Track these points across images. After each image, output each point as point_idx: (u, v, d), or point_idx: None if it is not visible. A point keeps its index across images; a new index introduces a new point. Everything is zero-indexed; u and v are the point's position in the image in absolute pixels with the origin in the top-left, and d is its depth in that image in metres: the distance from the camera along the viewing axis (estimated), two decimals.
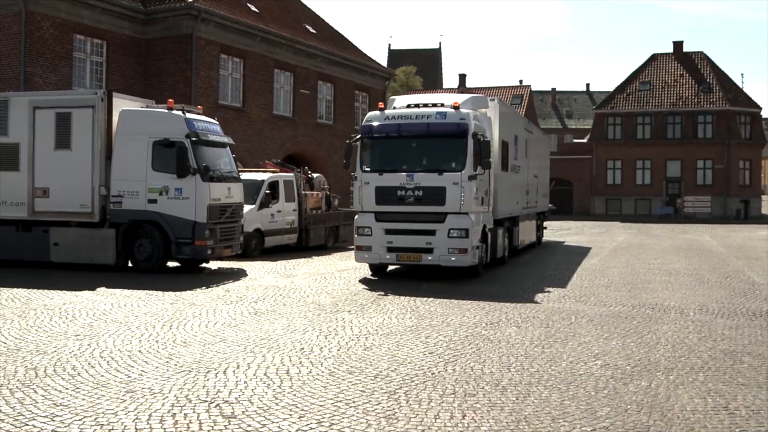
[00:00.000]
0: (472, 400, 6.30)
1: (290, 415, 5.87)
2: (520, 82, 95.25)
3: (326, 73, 34.19)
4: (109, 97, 15.60)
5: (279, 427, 5.60)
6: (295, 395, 6.41)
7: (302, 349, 8.24)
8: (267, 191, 20.41)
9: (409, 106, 15.73)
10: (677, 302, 12.08)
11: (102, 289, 12.80)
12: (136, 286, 13.21)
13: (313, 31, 34.92)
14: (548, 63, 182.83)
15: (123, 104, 15.83)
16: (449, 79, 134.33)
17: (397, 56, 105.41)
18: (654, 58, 59.79)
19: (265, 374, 7.11)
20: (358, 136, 15.32)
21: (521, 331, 9.45)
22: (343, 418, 5.82)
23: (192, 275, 15.44)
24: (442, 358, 7.84)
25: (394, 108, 15.95)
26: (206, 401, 6.19)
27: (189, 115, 15.58)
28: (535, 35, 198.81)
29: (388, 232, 14.76)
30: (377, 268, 15.93)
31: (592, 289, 13.64)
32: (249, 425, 5.62)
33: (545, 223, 29.31)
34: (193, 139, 15.16)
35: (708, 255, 21.79)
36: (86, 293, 12.34)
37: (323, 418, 5.80)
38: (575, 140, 67.61)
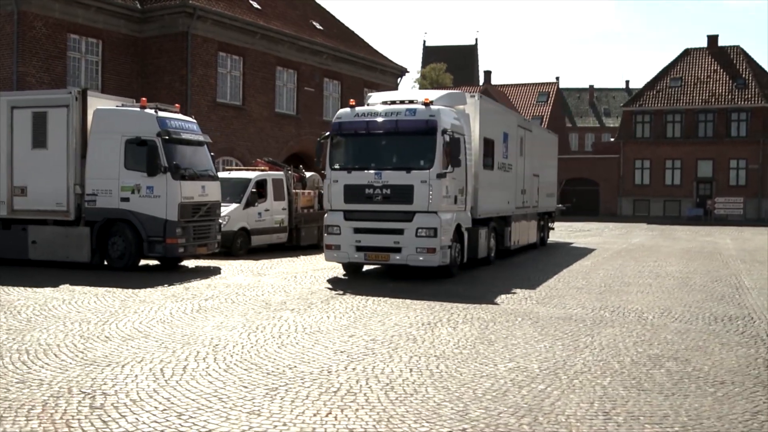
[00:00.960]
0: (349, 398, 6.13)
1: (155, 407, 5.85)
2: (557, 79, 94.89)
3: (333, 70, 34.14)
4: (84, 96, 15.68)
5: (137, 418, 5.58)
6: (175, 389, 6.37)
7: (216, 345, 8.15)
8: (253, 190, 20.37)
9: (384, 102, 15.53)
10: (642, 306, 11.70)
11: (65, 286, 12.85)
12: (100, 283, 13.25)
13: (321, 27, 34.89)
14: (590, 59, 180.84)
15: (98, 103, 15.91)
16: (486, 76, 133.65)
17: (431, 52, 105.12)
18: (687, 52, 57.46)
19: (160, 369, 7.07)
20: (328, 134, 15.17)
21: (455, 331, 9.22)
22: (206, 412, 5.76)
23: (161, 273, 15.45)
24: (350, 357, 7.67)
25: (368, 105, 15.79)
26: (84, 393, 6.20)
27: (162, 114, 15.59)
28: (578, 31, 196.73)
29: (357, 231, 14.59)
30: (351, 268, 15.79)
31: (562, 292, 13.31)
32: (109, 416, 5.62)
33: (554, 224, 29.13)
34: (165, 137, 15.16)
35: (714, 258, 21.03)
36: (47, 290, 12.40)
37: (186, 411, 5.74)
38: (610, 140, 65.80)
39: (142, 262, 16.77)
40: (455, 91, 17.13)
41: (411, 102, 14.95)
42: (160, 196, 15.13)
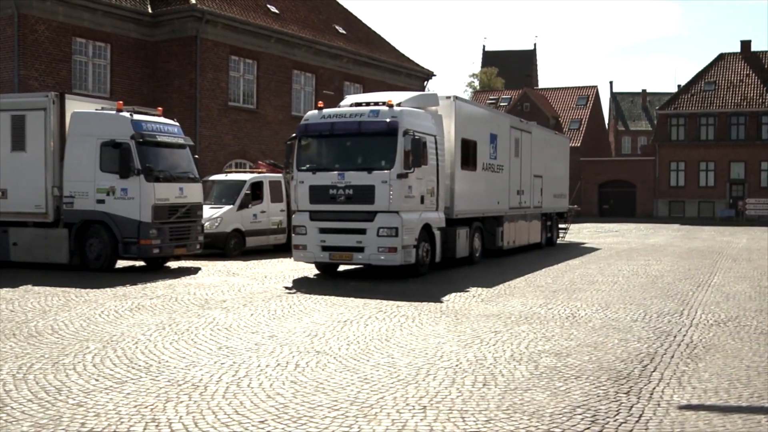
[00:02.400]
0: (178, 390, 6.14)
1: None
2: (611, 83, 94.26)
3: (353, 73, 34.29)
4: (62, 99, 16.13)
5: None
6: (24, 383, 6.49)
7: (110, 341, 8.26)
8: (248, 192, 20.60)
9: (353, 104, 15.60)
10: (585, 304, 11.47)
11: (27, 287, 13.16)
12: (65, 284, 13.56)
13: (343, 32, 35.08)
14: (651, 64, 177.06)
15: (76, 106, 16.32)
16: (545, 80, 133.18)
17: (491, 57, 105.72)
18: (721, 57, 58.10)
19: (29, 366, 7.18)
20: (294, 135, 15.28)
21: (365, 329, 9.16)
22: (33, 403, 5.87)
23: (137, 274, 15.77)
24: (228, 354, 7.69)
25: (339, 106, 15.88)
26: None
27: (137, 117, 15.90)
28: (640, 35, 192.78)
29: (322, 231, 14.64)
30: (322, 267, 15.85)
31: (517, 290, 13.09)
32: None
33: (569, 225, 29.19)
34: (139, 140, 15.47)
35: (710, 257, 20.65)
36: (4, 291, 12.66)
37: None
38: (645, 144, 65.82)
39: (129, 263, 17.24)
40: (428, 92, 17.03)
41: (377, 104, 14.95)
42: (134, 198, 15.43)
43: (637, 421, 5.55)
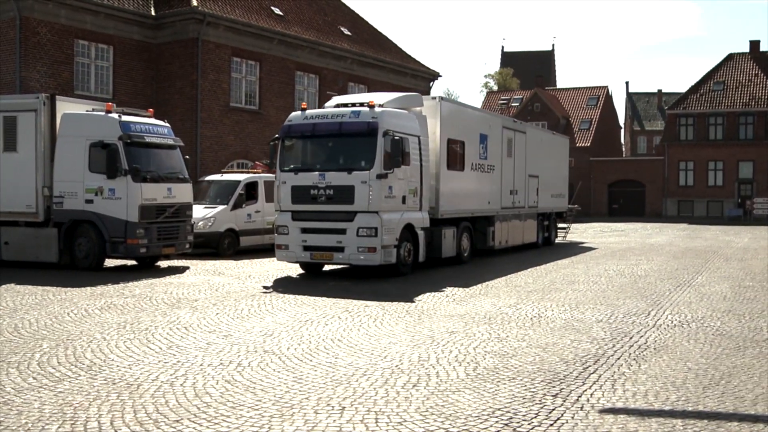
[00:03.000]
0: (110, 389, 6.29)
1: None
2: (626, 84, 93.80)
3: (358, 74, 34.42)
4: (52, 101, 16.41)
5: None
6: None
7: (64, 341, 8.43)
8: (241, 192, 20.80)
9: (337, 105, 15.74)
10: (555, 304, 11.49)
11: (10, 285, 13.40)
12: (48, 282, 13.78)
13: (348, 33, 35.22)
14: (669, 64, 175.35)
15: (67, 108, 16.58)
16: (563, 81, 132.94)
17: (509, 58, 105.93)
18: (730, 57, 57.98)
19: None
20: (277, 136, 15.44)
21: (322, 328, 9.25)
22: None
23: (124, 273, 16.01)
24: (176, 353, 7.83)
25: (324, 107, 16.04)
26: None
27: (126, 118, 16.14)
28: (657, 36, 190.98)
29: (304, 230, 14.79)
30: (308, 267, 16.00)
31: (493, 290, 13.12)
32: None
33: (570, 224, 29.40)
34: (126, 140, 15.70)
35: (703, 256, 20.61)
36: None
37: None
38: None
39: (121, 262, 17.50)
40: (411, 93, 17.10)
41: (360, 105, 15.06)
42: (121, 198, 15.67)
43: (551, 425, 5.56)
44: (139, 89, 26.23)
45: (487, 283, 14.23)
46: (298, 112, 15.47)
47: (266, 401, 6.08)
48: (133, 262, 17.44)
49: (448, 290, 13.07)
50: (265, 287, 13.53)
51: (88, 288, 13.10)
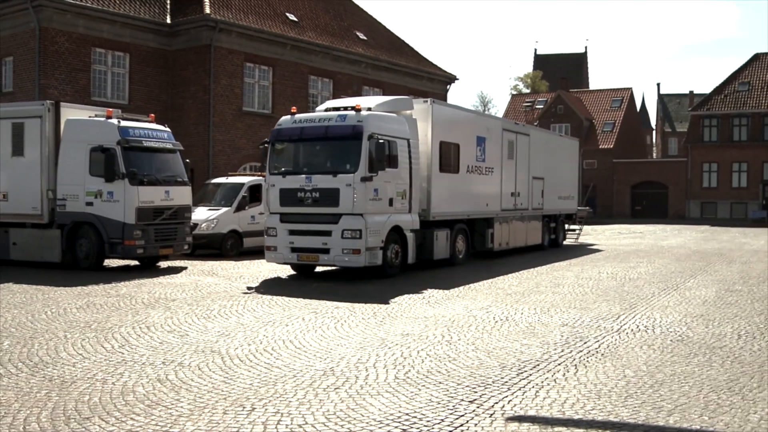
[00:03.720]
0: (32, 386, 6.59)
1: None
2: (658, 85, 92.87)
3: (373, 78, 34.70)
4: (56, 107, 17.01)
5: None
6: None
7: (24, 338, 8.80)
8: (245, 194, 21.21)
9: (327, 109, 16.05)
10: (529, 307, 11.51)
11: (7, 285, 13.91)
12: (45, 282, 14.29)
13: (364, 37, 35.52)
14: (704, 65, 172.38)
15: (71, 114, 17.17)
16: (596, 83, 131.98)
17: (542, 60, 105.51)
18: (756, 57, 57.11)
19: None
20: (267, 140, 15.79)
21: (282, 329, 9.47)
22: None
23: (121, 273, 16.46)
24: (123, 352, 8.14)
25: (314, 111, 16.36)
26: None
27: (125, 123, 16.62)
28: (691, 38, 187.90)
29: (291, 232, 15.09)
30: (299, 268, 16.30)
31: (471, 293, 13.18)
32: None
33: (582, 225, 29.65)
34: (124, 145, 16.18)
35: (709, 259, 20.29)
36: None
37: None
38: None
39: (125, 262, 18.01)
40: (401, 97, 17.30)
41: (346, 108, 15.34)
42: (118, 200, 16.16)
43: (451, 431, 5.62)
44: (154, 95, 26.86)
45: (470, 285, 14.34)
46: (288, 116, 15.79)
47: (184, 400, 6.30)
48: (136, 263, 17.94)
49: (428, 292, 13.22)
50: (249, 288, 13.85)
51: (78, 287, 13.55)
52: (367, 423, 5.80)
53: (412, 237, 16.02)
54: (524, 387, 6.83)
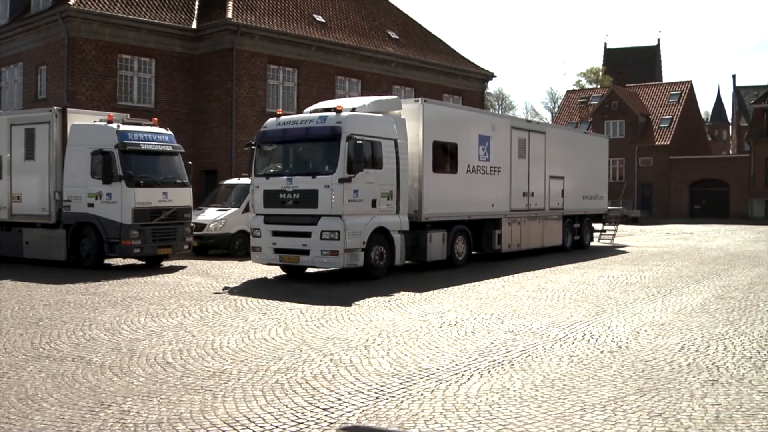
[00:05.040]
0: None
1: None
2: (733, 77, 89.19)
3: (404, 77, 34.69)
4: (63, 113, 17.70)
5: None
6: None
7: None
8: None
9: (314, 111, 16.18)
10: (491, 314, 11.32)
11: (5, 282, 14.67)
12: (42, 279, 14.96)
13: (396, 36, 35.54)
14: None
15: (77, 119, 17.88)
16: (669, 76, 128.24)
17: (612, 55, 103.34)
18: None
19: None
20: (252, 142, 16.01)
21: (217, 329, 9.66)
22: None
23: (120, 271, 17.01)
24: (51, 350, 8.45)
25: (303, 113, 16.50)
26: None
27: (125, 128, 17.16)
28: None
29: (274, 233, 15.27)
30: (288, 269, 16.45)
31: (439, 297, 13.03)
32: None
33: (616, 225, 29.06)
34: (122, 148, 16.71)
35: (727, 264, 19.32)
36: None
37: None
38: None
39: (130, 261, 18.59)
40: (390, 97, 17.25)
41: (329, 110, 15.42)
42: (116, 202, 16.73)
43: None
44: (180, 98, 27.57)
45: (448, 288, 14.16)
46: (273, 119, 16.01)
47: (71, 398, 6.56)
48: (142, 261, 18.48)
49: (398, 295, 13.15)
50: (224, 288, 14.09)
51: (65, 285, 14.11)
52: (193, 423, 5.91)
53: (399, 239, 15.96)
54: (395, 397, 6.63)
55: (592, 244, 26.19)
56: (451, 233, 17.86)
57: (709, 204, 55.12)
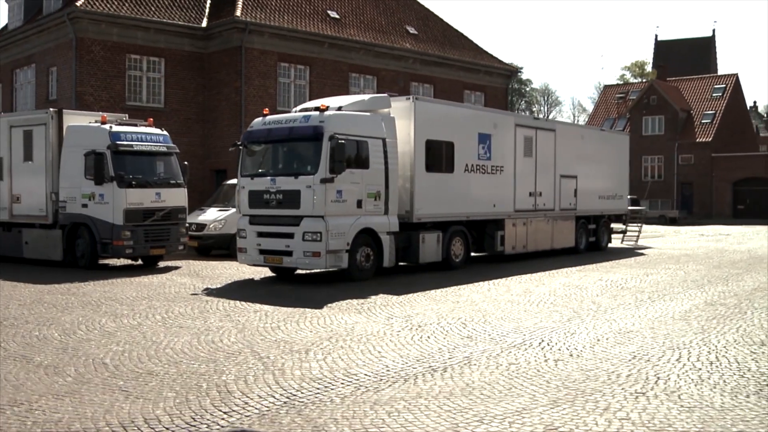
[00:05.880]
0: None
1: None
2: None
3: (422, 74, 34.26)
4: (59, 115, 17.83)
5: None
6: None
7: None
8: None
9: (302, 110, 15.98)
10: (454, 319, 11.07)
11: None
12: (32, 279, 15.12)
13: (415, 32, 35.14)
14: None
15: (73, 120, 17.99)
16: (725, 68, 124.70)
17: (663, 47, 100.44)
18: None
19: None
20: (238, 143, 15.86)
21: (174, 330, 9.54)
22: None
23: (112, 271, 17.08)
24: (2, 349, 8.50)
25: (292, 112, 16.31)
26: None
27: (117, 129, 17.18)
28: None
29: (259, 234, 15.12)
30: (276, 270, 16.28)
31: (412, 301, 12.70)
32: None
33: (640, 226, 28.35)
34: (114, 149, 16.73)
35: (746, 268, 18.46)
36: None
37: None
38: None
39: (128, 261, 18.63)
40: (377, 95, 16.95)
41: (313, 110, 15.22)
42: (108, 202, 16.78)
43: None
44: (190, 97, 27.62)
45: (429, 291, 13.74)
46: (259, 119, 15.85)
47: None
48: (139, 261, 18.53)
49: (375, 298, 12.87)
50: (206, 289, 13.99)
51: (50, 285, 14.26)
52: (94, 423, 5.95)
53: (388, 240, 15.66)
54: (302, 403, 6.51)
55: (611, 245, 25.46)
56: (447, 234, 17.48)
57: (754, 204, 52.71)
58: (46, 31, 26.71)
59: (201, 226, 20.85)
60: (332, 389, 6.98)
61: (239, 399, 6.64)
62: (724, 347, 8.78)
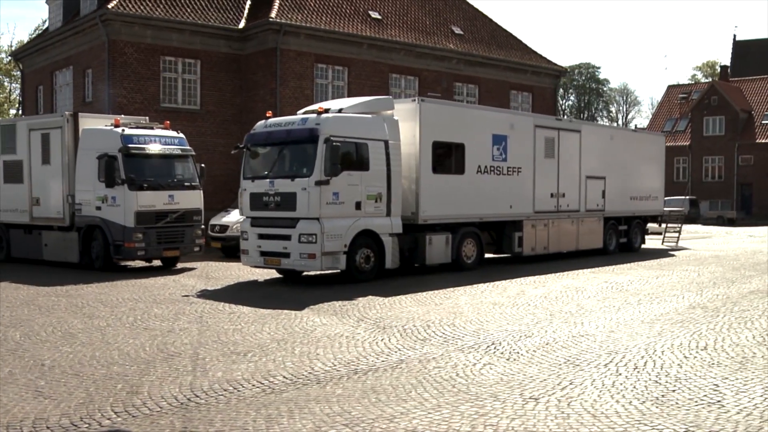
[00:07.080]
0: None
1: None
2: None
3: (466, 74, 33.75)
4: (75, 118, 18.24)
5: None
6: None
7: None
8: None
9: (305, 113, 15.90)
10: (431, 320, 10.68)
11: (5, 283, 15.24)
12: (41, 281, 15.41)
13: (460, 32, 34.68)
14: None
15: (89, 123, 18.32)
16: None
17: (742, 47, 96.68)
18: None
19: None
20: (241, 145, 15.90)
21: (139, 331, 9.54)
22: None
23: (123, 273, 17.30)
24: None
25: (296, 115, 16.24)
26: None
27: (130, 131, 17.41)
28: None
29: (260, 236, 15.10)
30: (284, 272, 16.21)
31: (399, 303, 12.32)
32: None
33: (679, 226, 27.42)
34: (125, 152, 16.98)
35: (752, 271, 17.34)
36: None
37: None
38: None
39: (144, 263, 18.92)
40: (381, 97, 16.67)
41: (312, 112, 15.16)
42: (120, 205, 17.04)
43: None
44: (226, 99, 27.91)
45: (417, 294, 13.32)
46: (263, 121, 15.83)
47: None
48: (158, 263, 18.79)
49: (360, 300, 12.60)
50: (200, 291, 14.04)
51: (52, 287, 14.48)
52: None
53: (391, 241, 15.40)
54: (198, 405, 6.50)
55: (646, 246, 24.59)
56: (457, 236, 17.10)
57: None
58: (81, 33, 27.26)
59: (224, 228, 21.04)
60: (238, 392, 6.89)
61: (140, 400, 6.59)
62: (661, 353, 8.30)
